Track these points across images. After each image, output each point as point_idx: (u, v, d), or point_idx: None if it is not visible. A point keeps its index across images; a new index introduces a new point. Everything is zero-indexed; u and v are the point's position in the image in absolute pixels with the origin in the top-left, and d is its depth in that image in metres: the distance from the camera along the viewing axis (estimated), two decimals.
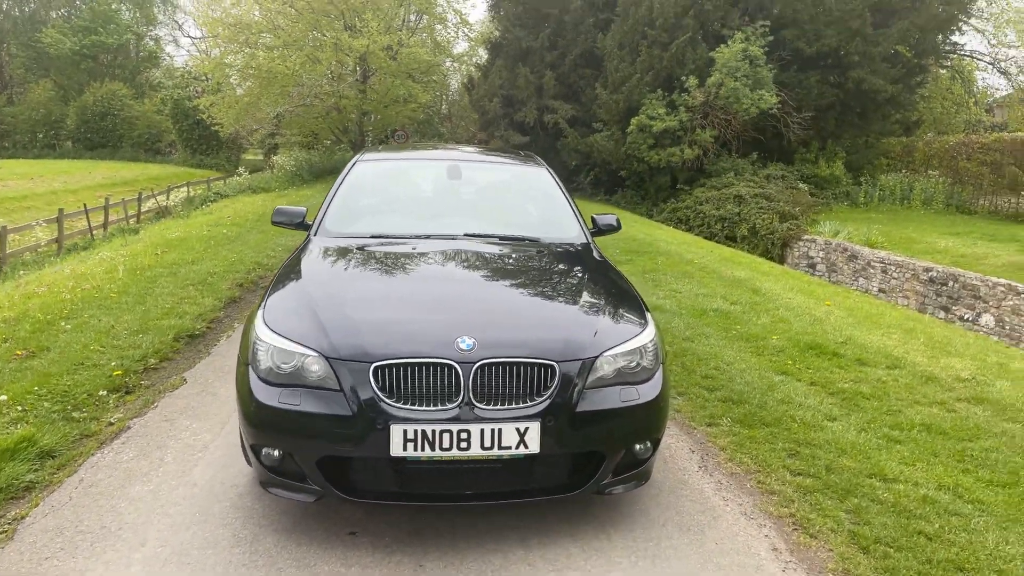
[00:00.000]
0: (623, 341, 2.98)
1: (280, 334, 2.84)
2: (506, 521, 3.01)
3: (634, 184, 21.17)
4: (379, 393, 2.66)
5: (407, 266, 3.58)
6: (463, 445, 2.65)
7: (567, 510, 3.11)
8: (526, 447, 2.69)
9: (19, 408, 4.01)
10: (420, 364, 2.69)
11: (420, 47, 24.98)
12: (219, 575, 2.65)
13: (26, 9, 49.69)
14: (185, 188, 26.07)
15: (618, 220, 4.54)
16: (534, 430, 2.68)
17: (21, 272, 11.26)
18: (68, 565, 2.69)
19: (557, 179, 4.66)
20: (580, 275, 3.57)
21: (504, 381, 2.72)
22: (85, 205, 16.90)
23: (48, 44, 44.76)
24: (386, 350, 2.72)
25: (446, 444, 2.63)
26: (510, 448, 2.68)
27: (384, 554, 2.77)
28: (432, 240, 3.87)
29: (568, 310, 3.15)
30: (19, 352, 5.26)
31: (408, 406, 2.65)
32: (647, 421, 2.95)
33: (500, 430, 2.66)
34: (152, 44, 52.09)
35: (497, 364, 2.72)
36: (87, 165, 37.64)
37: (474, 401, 2.67)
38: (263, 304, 3.12)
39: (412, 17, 27.81)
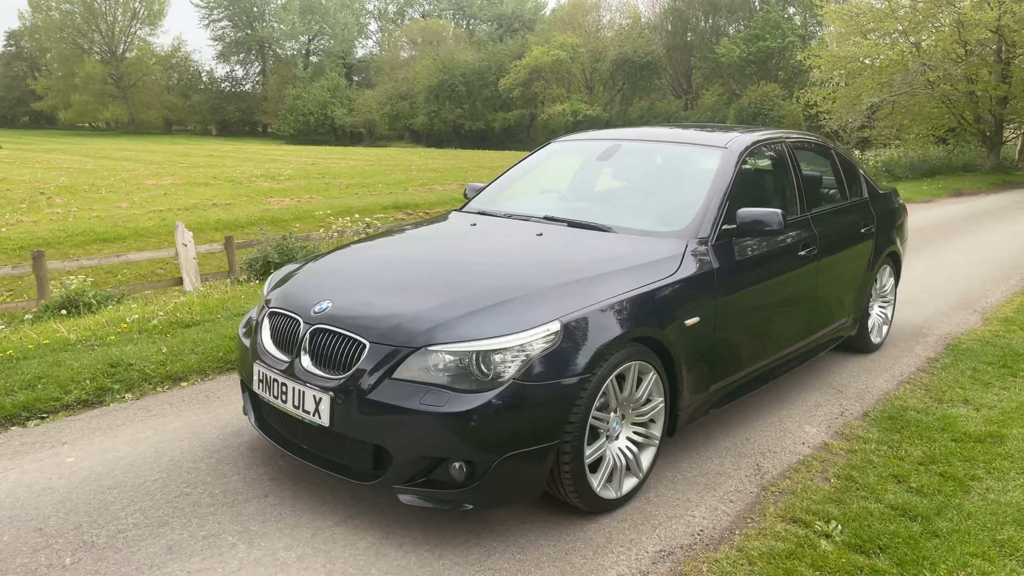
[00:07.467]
0: (468, 340, 2.54)
1: (268, 285, 3.44)
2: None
3: None
4: (263, 334, 3.03)
5: (433, 238, 3.68)
6: (283, 398, 2.83)
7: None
8: (320, 417, 2.67)
9: None
10: (283, 315, 2.95)
11: None
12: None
13: (708, 25, 57.45)
14: None
15: (781, 216, 3.30)
16: (326, 403, 2.65)
17: None
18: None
19: (735, 165, 3.62)
20: (576, 269, 2.98)
21: (331, 349, 2.73)
22: None
23: (721, 55, 50.92)
24: (278, 300, 3.06)
25: (275, 392, 2.86)
26: (309, 414, 2.71)
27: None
28: (509, 220, 3.78)
29: (460, 297, 2.78)
30: None
31: (272, 351, 2.95)
32: (452, 437, 2.47)
33: (303, 393, 2.72)
34: (815, 44, 53.35)
35: (326, 331, 2.75)
36: None
37: (302, 360, 2.78)
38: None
39: None
